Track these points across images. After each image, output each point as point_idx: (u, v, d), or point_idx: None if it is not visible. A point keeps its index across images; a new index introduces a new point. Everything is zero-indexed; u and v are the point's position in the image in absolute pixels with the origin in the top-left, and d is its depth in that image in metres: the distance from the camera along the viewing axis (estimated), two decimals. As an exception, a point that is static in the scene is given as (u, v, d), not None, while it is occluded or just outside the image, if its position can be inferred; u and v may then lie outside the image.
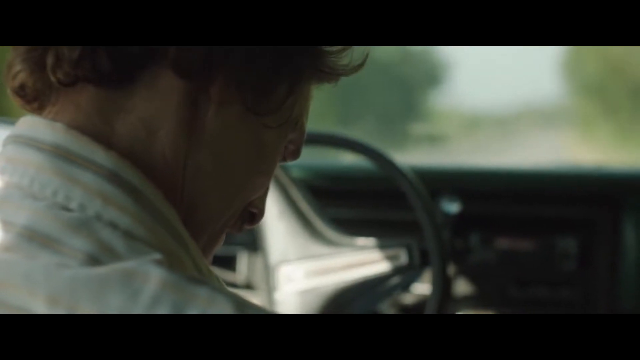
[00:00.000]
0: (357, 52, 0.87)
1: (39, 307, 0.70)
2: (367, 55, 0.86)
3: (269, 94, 0.82)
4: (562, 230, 2.00)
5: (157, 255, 0.73)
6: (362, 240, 1.76)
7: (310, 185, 1.93)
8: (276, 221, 1.79)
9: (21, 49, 0.80)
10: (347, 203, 2.06)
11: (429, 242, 1.69)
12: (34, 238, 0.73)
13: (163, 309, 0.69)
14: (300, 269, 1.77)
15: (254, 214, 0.90)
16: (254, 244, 1.94)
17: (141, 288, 0.69)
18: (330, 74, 0.86)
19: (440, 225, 1.73)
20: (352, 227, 1.87)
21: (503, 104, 5.18)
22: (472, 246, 2.02)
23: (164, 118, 0.79)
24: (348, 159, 2.20)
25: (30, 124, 0.80)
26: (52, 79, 0.78)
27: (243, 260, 2.06)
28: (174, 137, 0.80)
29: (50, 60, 0.78)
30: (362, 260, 1.74)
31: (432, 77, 5.29)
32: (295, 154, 0.90)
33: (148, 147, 0.80)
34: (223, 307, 0.70)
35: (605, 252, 1.97)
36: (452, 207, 1.95)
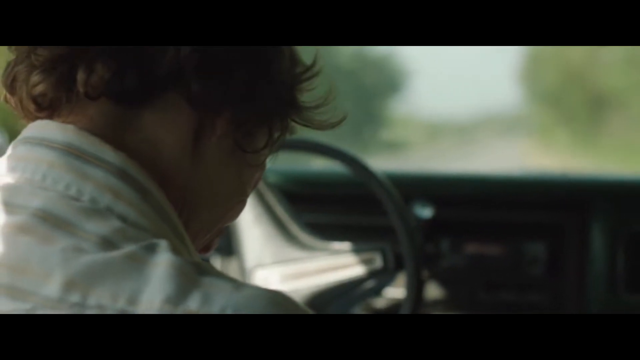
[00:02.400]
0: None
1: (53, 290, 0.73)
2: (344, 117, 0.93)
3: (254, 135, 0.89)
4: (530, 235, 2.03)
5: (165, 242, 0.76)
6: (337, 245, 1.78)
7: (285, 190, 1.94)
8: (252, 226, 1.81)
9: (41, 59, 0.83)
10: (320, 208, 2.08)
11: (403, 246, 1.72)
12: (47, 219, 0.76)
13: (170, 289, 0.72)
14: (275, 273, 1.79)
15: (210, 244, 0.96)
16: (228, 249, 1.95)
17: (151, 273, 0.73)
18: (308, 127, 0.93)
19: (414, 229, 1.75)
20: (325, 231, 1.88)
21: (462, 111, 5.22)
22: (442, 251, 2.04)
23: (169, 141, 0.85)
24: (320, 164, 2.22)
25: (41, 126, 0.84)
26: (81, 91, 0.82)
27: (216, 265, 2.07)
28: (178, 159, 0.85)
29: (81, 74, 0.82)
30: (337, 264, 1.76)
31: (392, 84, 5.32)
32: (251, 193, 0.97)
33: (153, 163, 0.84)
34: (223, 291, 0.73)
35: (573, 256, 2.00)
36: (425, 212, 1.98)
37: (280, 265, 1.79)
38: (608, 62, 4.84)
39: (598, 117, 5.05)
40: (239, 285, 0.75)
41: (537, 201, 2.06)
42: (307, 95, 0.91)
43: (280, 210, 1.82)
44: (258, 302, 0.74)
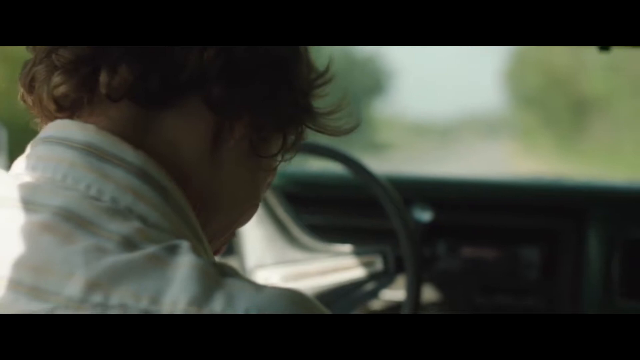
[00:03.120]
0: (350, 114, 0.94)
1: (75, 290, 0.73)
2: (359, 123, 0.93)
3: (270, 140, 0.90)
4: (526, 240, 2.05)
5: (186, 243, 0.77)
6: (338, 247, 1.79)
7: (286, 192, 1.95)
8: (253, 226, 1.81)
9: (62, 60, 0.83)
10: (321, 210, 2.08)
11: (404, 249, 1.72)
12: (70, 218, 0.76)
13: (194, 290, 0.72)
14: (276, 273, 1.80)
15: (221, 247, 0.97)
16: (228, 249, 1.96)
17: (174, 274, 0.73)
18: (322, 133, 0.93)
19: (414, 232, 1.76)
20: (326, 233, 1.89)
21: (446, 113, 5.25)
22: (439, 254, 2.05)
23: (189, 144, 0.85)
24: (321, 166, 2.22)
25: (61, 126, 0.84)
26: (103, 92, 0.82)
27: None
28: (196, 162, 0.86)
29: (104, 76, 0.82)
30: (338, 266, 1.77)
31: (377, 86, 5.34)
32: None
33: (172, 164, 0.84)
34: (246, 292, 0.74)
35: (567, 261, 2.02)
36: (424, 215, 1.98)
37: (280, 266, 1.79)
38: (591, 66, 4.88)
39: (581, 121, 5.09)
40: (258, 285, 0.75)
41: (534, 207, 2.08)
42: (320, 102, 0.92)
43: (281, 212, 1.82)
44: (280, 302, 0.74)
